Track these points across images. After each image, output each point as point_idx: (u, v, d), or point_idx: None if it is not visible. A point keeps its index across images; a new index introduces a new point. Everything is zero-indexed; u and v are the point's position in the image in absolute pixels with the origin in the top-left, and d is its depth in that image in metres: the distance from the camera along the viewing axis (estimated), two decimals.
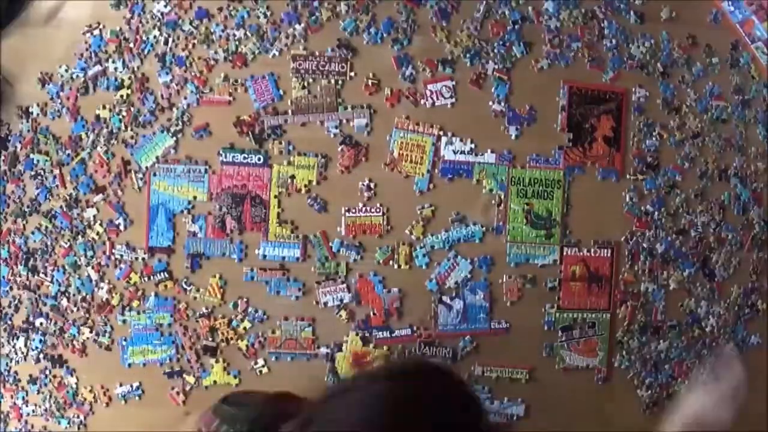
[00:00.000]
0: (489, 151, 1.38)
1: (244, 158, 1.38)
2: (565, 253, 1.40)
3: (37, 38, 1.39)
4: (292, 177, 1.38)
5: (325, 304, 1.39)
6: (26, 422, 1.42)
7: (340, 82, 1.38)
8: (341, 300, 1.39)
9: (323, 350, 1.39)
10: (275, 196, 1.38)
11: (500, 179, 1.39)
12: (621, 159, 1.40)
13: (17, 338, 1.41)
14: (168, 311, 1.39)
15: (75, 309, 1.40)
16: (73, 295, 1.40)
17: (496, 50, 1.39)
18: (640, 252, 1.41)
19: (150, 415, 1.41)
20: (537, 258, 1.39)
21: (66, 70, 1.38)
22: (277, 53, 1.38)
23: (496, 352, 1.40)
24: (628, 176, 1.40)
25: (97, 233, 1.38)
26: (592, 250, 1.40)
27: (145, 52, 1.38)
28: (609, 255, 1.40)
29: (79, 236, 1.39)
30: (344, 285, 1.38)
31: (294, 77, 1.38)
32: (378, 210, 1.38)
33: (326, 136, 1.38)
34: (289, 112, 1.38)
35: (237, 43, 1.38)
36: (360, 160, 1.38)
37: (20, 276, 1.40)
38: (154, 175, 1.38)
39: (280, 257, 1.39)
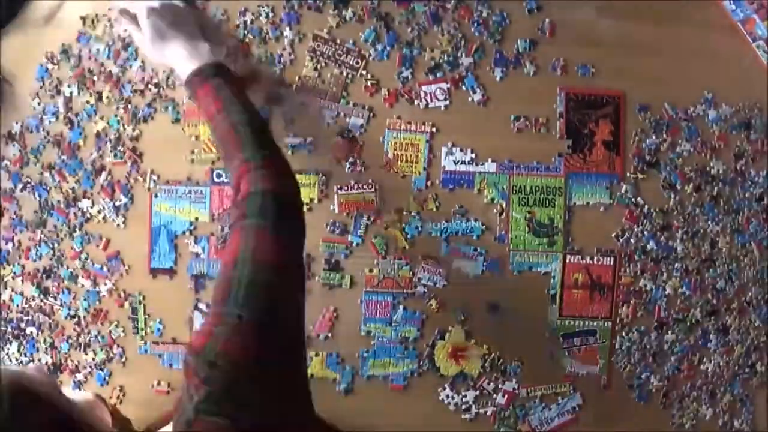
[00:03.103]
0: (489, 160, 1.38)
1: None
2: (567, 261, 1.39)
3: (37, 38, 1.38)
4: None
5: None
6: None
7: (350, 76, 1.38)
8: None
9: (420, 289, 1.40)
10: None
11: (501, 188, 1.38)
12: (621, 163, 1.40)
13: (10, 343, 1.42)
14: None
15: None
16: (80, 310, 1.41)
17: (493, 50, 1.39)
18: (635, 252, 1.40)
19: None
20: (540, 266, 1.39)
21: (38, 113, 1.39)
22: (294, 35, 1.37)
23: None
24: (628, 174, 1.40)
25: (103, 217, 1.39)
26: (595, 258, 1.40)
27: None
28: (611, 263, 1.40)
29: (77, 230, 1.39)
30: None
31: (309, 55, 1.37)
32: (370, 186, 1.38)
33: (320, 123, 1.38)
34: (294, 86, 1.38)
35: (245, 32, 1.37)
36: (352, 155, 1.38)
37: (33, 299, 1.41)
38: (156, 196, 1.38)
39: None
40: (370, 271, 1.39)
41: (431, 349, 1.40)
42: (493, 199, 1.38)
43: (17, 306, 1.41)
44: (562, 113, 1.38)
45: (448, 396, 1.41)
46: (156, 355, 1.40)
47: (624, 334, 1.41)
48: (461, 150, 1.38)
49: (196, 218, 1.38)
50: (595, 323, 1.41)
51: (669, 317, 1.42)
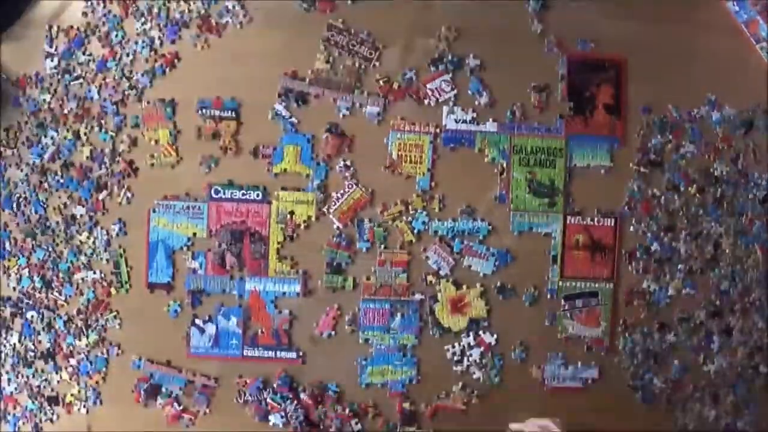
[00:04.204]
0: (491, 119, 1.39)
1: (243, 194, 1.38)
2: (568, 222, 1.39)
3: (40, 39, 1.40)
4: (291, 213, 1.38)
5: None
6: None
7: (363, 66, 1.39)
8: None
9: (418, 296, 1.39)
10: (274, 232, 1.39)
11: (502, 148, 1.39)
12: (622, 126, 1.40)
13: (11, 334, 1.42)
14: None
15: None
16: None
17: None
18: (637, 250, 1.40)
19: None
20: (540, 226, 1.39)
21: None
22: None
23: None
24: (631, 164, 1.40)
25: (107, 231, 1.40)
26: (596, 219, 1.39)
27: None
28: (612, 224, 1.39)
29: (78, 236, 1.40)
30: None
31: (322, 45, 1.38)
32: (356, 183, 1.38)
33: (335, 115, 1.38)
34: (307, 80, 1.38)
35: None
36: (343, 151, 1.39)
37: (39, 292, 1.41)
38: (154, 211, 1.39)
39: (280, 293, 1.39)
40: (368, 278, 1.39)
41: (433, 316, 1.39)
42: (493, 159, 1.39)
43: (23, 288, 1.41)
44: (564, 76, 1.40)
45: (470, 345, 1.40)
46: (148, 373, 1.40)
47: (627, 335, 1.40)
48: (462, 109, 1.39)
49: (194, 234, 1.39)
50: (596, 285, 1.39)
51: (672, 318, 1.41)
